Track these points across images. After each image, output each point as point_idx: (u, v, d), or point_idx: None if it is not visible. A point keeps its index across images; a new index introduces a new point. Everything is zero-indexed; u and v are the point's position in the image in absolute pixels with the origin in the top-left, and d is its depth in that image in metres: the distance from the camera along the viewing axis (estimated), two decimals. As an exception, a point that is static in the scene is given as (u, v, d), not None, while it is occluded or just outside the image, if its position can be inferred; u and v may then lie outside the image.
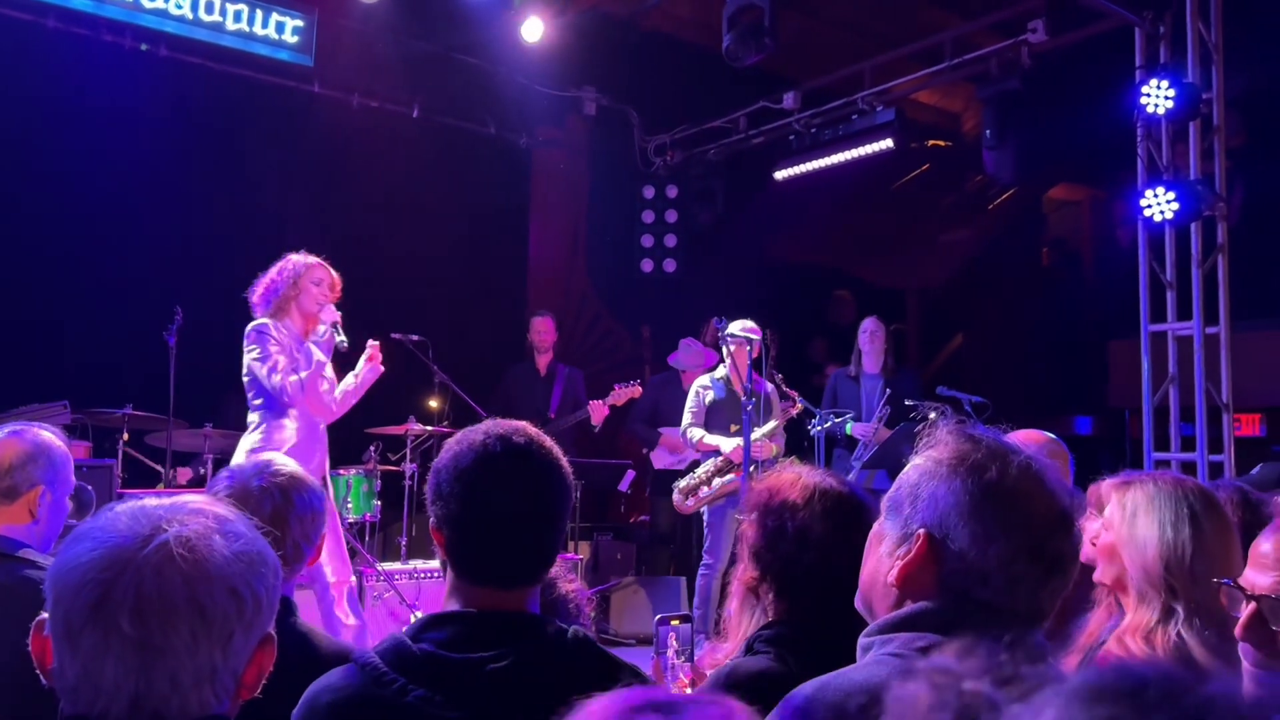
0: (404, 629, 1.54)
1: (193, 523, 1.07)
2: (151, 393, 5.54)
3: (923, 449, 1.35)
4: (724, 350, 5.78)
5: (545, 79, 7.88)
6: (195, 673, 1.04)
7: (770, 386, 5.87)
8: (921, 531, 1.30)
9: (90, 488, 2.62)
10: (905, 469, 1.39)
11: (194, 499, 1.13)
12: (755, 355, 5.71)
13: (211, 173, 7.03)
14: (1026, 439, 2.82)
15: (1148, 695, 0.49)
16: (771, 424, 5.78)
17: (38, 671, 1.08)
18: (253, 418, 4.41)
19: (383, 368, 4.66)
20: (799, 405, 5.96)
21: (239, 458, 4.28)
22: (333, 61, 7.15)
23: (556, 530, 1.61)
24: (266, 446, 4.23)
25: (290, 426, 4.35)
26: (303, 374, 4.32)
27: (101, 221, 6.53)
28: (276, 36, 6.83)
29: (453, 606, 1.54)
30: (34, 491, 2.30)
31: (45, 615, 1.06)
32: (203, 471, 5.69)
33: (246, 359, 4.35)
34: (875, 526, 1.42)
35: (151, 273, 6.60)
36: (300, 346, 4.42)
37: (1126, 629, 1.85)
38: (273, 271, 4.46)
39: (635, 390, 6.58)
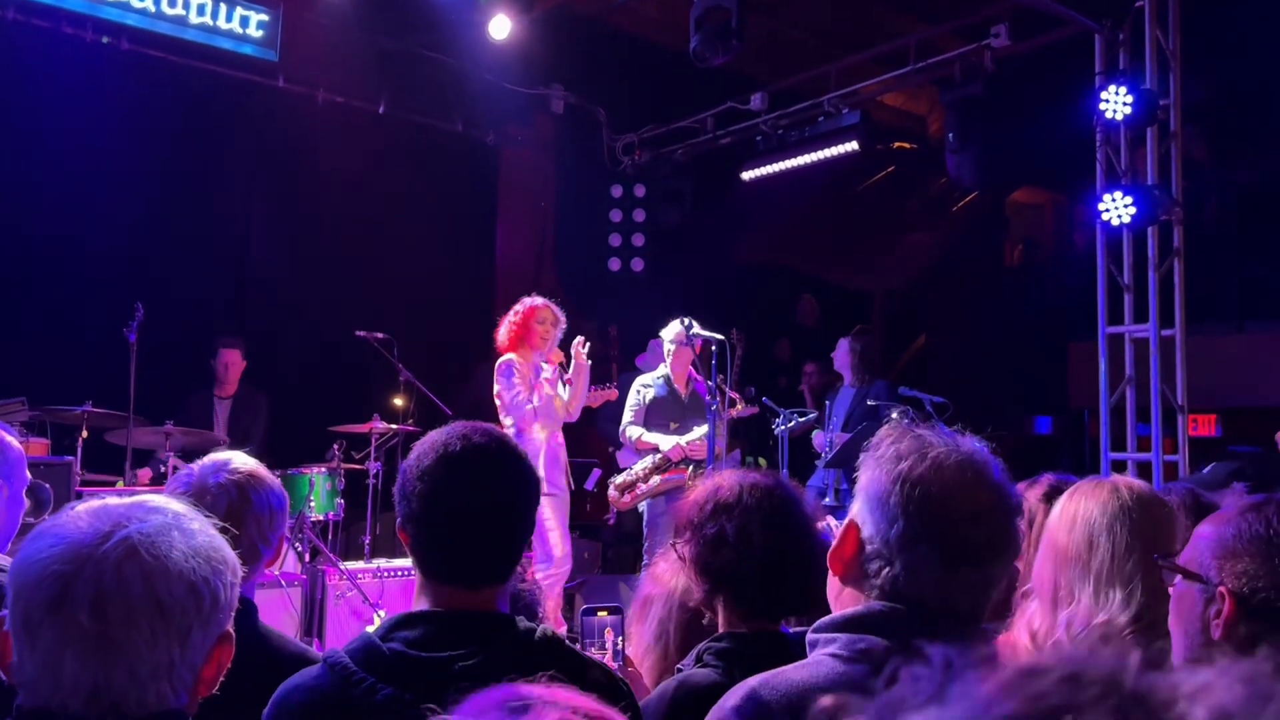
0: (374, 628, 1.55)
1: (152, 520, 1.08)
2: (111, 390, 5.47)
3: (872, 447, 1.39)
4: (665, 349, 5.89)
5: (513, 76, 7.86)
6: (153, 667, 1.05)
7: (708, 386, 5.94)
8: (850, 520, 1.36)
9: (48, 486, 2.59)
10: None
11: (154, 497, 1.14)
12: (697, 354, 5.85)
13: (174, 168, 6.95)
14: None
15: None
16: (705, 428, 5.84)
17: None
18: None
19: (586, 360, 5.67)
20: (740, 405, 6.03)
21: None
22: (298, 56, 7.09)
23: (520, 529, 1.62)
24: None
25: (536, 439, 5.47)
26: (535, 400, 5.50)
27: (62, 216, 6.44)
28: (240, 31, 6.77)
29: (422, 606, 1.56)
30: None
31: (5, 611, 1.07)
32: (163, 470, 5.63)
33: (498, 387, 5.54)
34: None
35: (112, 268, 6.52)
36: (537, 375, 5.60)
37: (1033, 625, 1.90)
38: (512, 315, 5.66)
39: (612, 393, 6.60)
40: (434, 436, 1.61)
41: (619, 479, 6.02)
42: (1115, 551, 1.80)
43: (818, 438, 6.60)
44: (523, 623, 1.56)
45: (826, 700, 0.64)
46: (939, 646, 0.59)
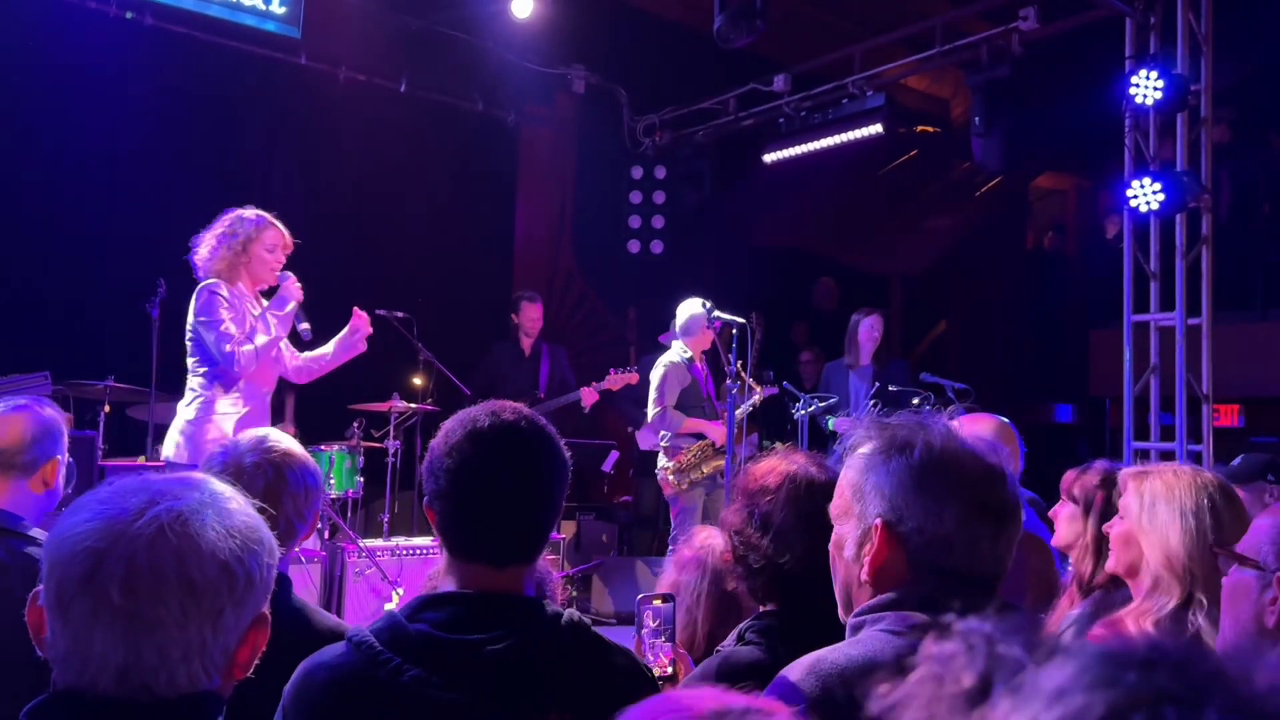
0: (399, 607, 1.54)
1: (188, 497, 1.07)
2: (133, 365, 5.50)
3: (848, 453, 1.39)
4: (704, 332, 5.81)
5: (534, 56, 7.82)
6: (184, 648, 1.04)
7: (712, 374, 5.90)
8: (878, 522, 1.33)
9: (71, 460, 2.61)
10: (840, 475, 1.43)
11: (193, 474, 1.13)
12: (716, 336, 5.77)
13: (196, 144, 6.96)
14: (977, 424, 2.88)
15: (1168, 665, 0.50)
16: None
17: (34, 642, 1.08)
18: (193, 384, 4.13)
19: (364, 346, 4.51)
20: (760, 393, 5.96)
21: (176, 429, 4.08)
22: (320, 34, 7.07)
23: (547, 508, 1.59)
24: (206, 418, 4.05)
25: (236, 398, 4.11)
26: (259, 340, 4.09)
27: (84, 191, 6.46)
28: (264, 7, 6.75)
29: (448, 586, 1.54)
30: (52, 463, 2.34)
31: (41, 586, 1.06)
32: (184, 445, 5.64)
33: (192, 322, 4.11)
34: (834, 536, 1.44)
35: (134, 244, 6.53)
36: (248, 313, 4.18)
37: (1139, 611, 1.88)
38: (220, 229, 4.21)
39: (632, 377, 6.57)
40: (463, 413, 1.60)
41: (671, 464, 5.80)
42: (1202, 543, 1.81)
43: (840, 422, 6.43)
44: (550, 606, 1.55)
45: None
46: (976, 621, 0.58)
